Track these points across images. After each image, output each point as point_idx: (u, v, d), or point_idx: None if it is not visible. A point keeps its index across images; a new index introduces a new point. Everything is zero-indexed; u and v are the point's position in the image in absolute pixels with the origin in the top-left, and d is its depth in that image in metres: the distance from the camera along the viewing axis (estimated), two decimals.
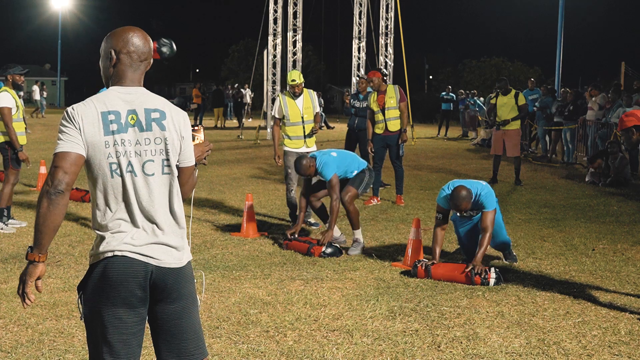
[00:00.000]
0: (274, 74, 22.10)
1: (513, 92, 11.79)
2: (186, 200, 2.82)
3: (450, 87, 27.36)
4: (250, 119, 31.08)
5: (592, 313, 5.16)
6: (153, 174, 2.61)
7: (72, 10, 58.34)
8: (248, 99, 30.25)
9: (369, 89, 10.93)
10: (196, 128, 2.98)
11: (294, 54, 22.03)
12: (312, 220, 8.34)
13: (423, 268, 6.02)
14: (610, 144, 12.93)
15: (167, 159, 2.63)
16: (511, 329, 4.76)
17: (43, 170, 10.67)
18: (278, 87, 22.23)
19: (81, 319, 2.65)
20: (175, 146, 2.66)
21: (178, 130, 2.67)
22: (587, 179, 12.50)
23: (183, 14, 72.33)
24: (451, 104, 25.39)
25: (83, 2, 60.21)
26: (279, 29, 21.74)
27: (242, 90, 30.14)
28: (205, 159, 2.98)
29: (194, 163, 2.76)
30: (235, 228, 7.88)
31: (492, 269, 5.91)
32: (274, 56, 21.96)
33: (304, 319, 4.92)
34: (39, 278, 2.56)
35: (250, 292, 5.54)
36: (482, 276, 5.82)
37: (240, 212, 8.09)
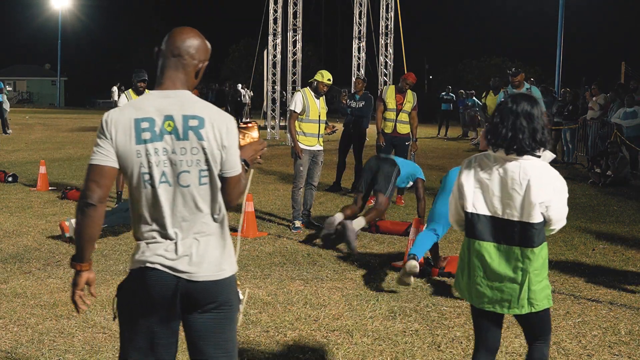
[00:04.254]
0: (274, 74, 22.09)
1: (502, 91, 11.81)
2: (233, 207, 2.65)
3: (450, 87, 27.36)
4: (248, 119, 31.01)
5: (592, 313, 5.16)
6: (188, 185, 2.47)
7: (72, 10, 58.36)
8: (248, 99, 30.22)
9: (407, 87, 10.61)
10: (250, 125, 2.83)
11: (294, 54, 22.03)
12: (312, 221, 8.33)
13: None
14: (610, 144, 12.93)
15: (205, 170, 2.47)
16: (511, 329, 4.76)
17: (43, 170, 10.67)
18: (278, 87, 22.23)
19: (113, 320, 2.61)
20: (215, 156, 2.47)
21: (218, 140, 2.47)
22: (590, 181, 12.48)
23: (183, 14, 72.35)
24: (451, 104, 25.39)
25: (83, 2, 60.21)
26: (279, 29, 21.72)
27: (241, 90, 30.11)
28: (260, 157, 2.80)
29: (239, 172, 2.56)
30: (235, 228, 7.88)
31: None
32: (274, 56, 21.96)
33: (304, 319, 4.92)
34: (89, 285, 2.59)
35: (250, 292, 5.54)
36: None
37: (240, 212, 8.08)
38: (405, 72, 20.15)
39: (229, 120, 2.54)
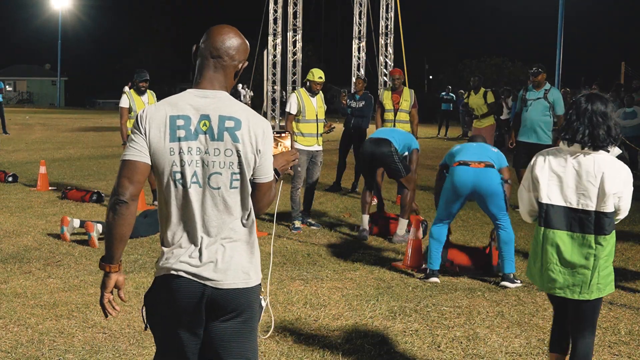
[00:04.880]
0: (274, 74, 22.11)
1: (482, 90, 11.83)
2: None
3: (450, 87, 27.38)
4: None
5: None
6: (219, 188, 2.39)
7: (72, 10, 58.41)
8: (248, 99, 30.22)
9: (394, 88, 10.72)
10: (283, 135, 2.78)
11: (294, 54, 22.04)
12: (311, 220, 8.34)
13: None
14: None
15: (237, 173, 2.40)
16: (511, 329, 4.76)
17: (43, 170, 10.67)
18: (278, 87, 22.26)
19: (145, 330, 2.54)
20: (249, 160, 2.41)
21: (254, 143, 2.41)
22: None
23: (183, 14, 72.39)
24: (451, 104, 25.40)
25: (83, 2, 60.29)
26: (279, 29, 21.76)
27: (241, 90, 30.10)
28: (291, 168, 2.73)
29: (271, 179, 2.50)
30: None
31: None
32: (274, 56, 21.97)
33: (304, 319, 4.92)
34: (118, 288, 2.52)
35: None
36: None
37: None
38: (405, 72, 20.23)
39: (266, 124, 2.47)
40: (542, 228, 3.36)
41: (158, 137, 2.38)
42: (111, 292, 2.50)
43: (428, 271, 5.96)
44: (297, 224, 8.00)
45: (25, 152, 16.50)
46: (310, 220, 8.32)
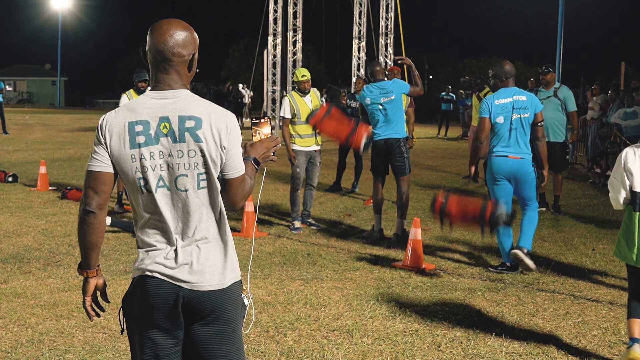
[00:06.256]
0: (274, 74, 22.11)
1: (486, 90, 11.87)
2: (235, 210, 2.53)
3: (450, 87, 27.37)
4: (249, 119, 31.09)
5: (592, 313, 5.16)
6: (187, 190, 2.36)
7: (72, 10, 58.39)
8: (248, 99, 30.23)
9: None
10: (262, 121, 2.71)
11: (294, 54, 22.04)
12: (311, 220, 8.34)
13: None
14: (610, 144, 12.92)
15: (204, 173, 2.36)
16: (511, 329, 4.76)
17: (43, 170, 10.67)
18: (278, 87, 22.25)
19: (122, 333, 2.53)
20: (215, 158, 2.36)
21: (217, 140, 2.35)
22: (590, 181, 12.48)
23: (183, 14, 72.53)
24: (451, 104, 25.40)
25: (83, 2, 60.25)
26: (279, 29, 21.76)
27: (241, 90, 30.11)
28: (274, 154, 2.66)
29: (242, 173, 2.44)
30: (236, 228, 7.88)
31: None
32: (274, 56, 21.98)
33: (304, 319, 4.92)
34: (100, 291, 2.54)
35: (250, 292, 5.54)
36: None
37: (240, 212, 8.09)
38: (406, 72, 20.25)
39: (230, 118, 2.41)
40: (638, 213, 3.94)
41: (118, 145, 2.36)
42: (92, 296, 2.52)
43: (512, 247, 6.07)
44: (297, 224, 8.00)
45: (25, 152, 16.50)
46: (310, 220, 8.32)
